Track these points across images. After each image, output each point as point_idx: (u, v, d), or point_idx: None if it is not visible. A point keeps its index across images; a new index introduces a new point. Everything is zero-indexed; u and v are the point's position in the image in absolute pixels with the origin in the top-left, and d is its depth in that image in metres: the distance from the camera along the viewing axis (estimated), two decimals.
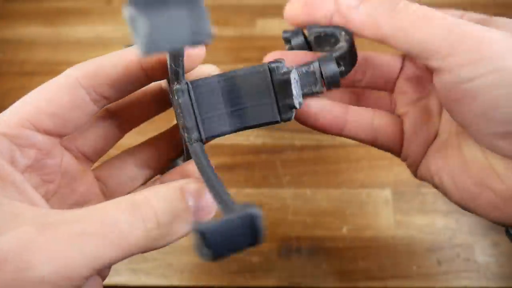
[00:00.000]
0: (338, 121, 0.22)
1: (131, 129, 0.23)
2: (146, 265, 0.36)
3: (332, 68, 0.21)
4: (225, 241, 0.15)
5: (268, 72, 0.20)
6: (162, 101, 0.22)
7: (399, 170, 0.40)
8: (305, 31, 0.23)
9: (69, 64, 0.20)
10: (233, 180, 0.40)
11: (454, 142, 0.21)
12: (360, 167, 0.40)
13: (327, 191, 0.39)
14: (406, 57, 0.24)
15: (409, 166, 0.24)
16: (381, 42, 0.20)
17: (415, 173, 0.24)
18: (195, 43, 0.13)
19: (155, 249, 0.17)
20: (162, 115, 0.24)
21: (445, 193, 0.22)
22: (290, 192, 0.39)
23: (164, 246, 0.17)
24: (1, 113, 0.18)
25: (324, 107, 0.22)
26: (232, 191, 0.39)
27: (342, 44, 0.21)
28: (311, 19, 0.21)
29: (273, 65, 0.20)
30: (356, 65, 0.22)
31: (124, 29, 0.49)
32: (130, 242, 0.16)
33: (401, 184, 0.39)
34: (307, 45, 0.24)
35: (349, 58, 0.21)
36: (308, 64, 0.21)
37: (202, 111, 0.20)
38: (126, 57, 0.19)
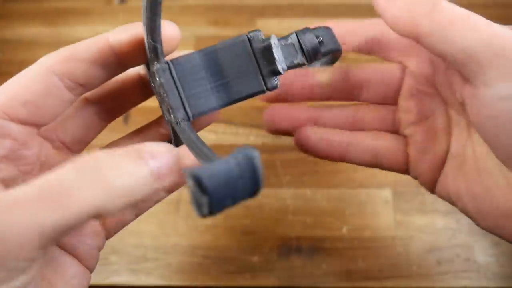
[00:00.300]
0: (339, 149, 0.22)
1: (113, 118, 0.23)
2: (146, 265, 0.36)
3: (309, 38, 0.21)
4: (223, 186, 0.14)
5: (248, 42, 0.20)
6: (142, 89, 0.22)
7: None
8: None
9: None
10: None
11: (472, 165, 0.20)
12: (360, 167, 0.40)
13: (327, 191, 0.39)
14: (406, 69, 0.23)
15: (422, 185, 0.23)
16: (414, 39, 0.19)
17: (431, 191, 0.23)
18: None
19: (116, 210, 0.15)
20: (151, 106, 0.23)
21: (470, 218, 0.21)
22: (290, 192, 0.39)
23: (126, 207, 0.16)
24: None
25: (323, 136, 0.22)
26: None
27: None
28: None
29: (251, 34, 0.20)
30: (354, 80, 0.22)
31: None
32: (76, 201, 0.15)
33: (401, 184, 0.39)
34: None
35: (327, 34, 0.22)
36: (285, 37, 0.21)
37: (186, 89, 0.20)
38: (98, 42, 0.18)
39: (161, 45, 0.18)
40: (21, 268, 0.15)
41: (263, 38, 0.20)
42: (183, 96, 0.20)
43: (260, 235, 0.38)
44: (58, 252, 0.20)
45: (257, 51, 0.20)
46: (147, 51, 0.19)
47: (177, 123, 0.20)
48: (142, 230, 0.38)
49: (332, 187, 0.39)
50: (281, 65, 0.20)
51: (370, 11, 0.56)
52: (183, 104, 0.20)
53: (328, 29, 0.22)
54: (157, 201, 0.22)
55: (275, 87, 0.21)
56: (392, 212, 0.38)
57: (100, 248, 0.22)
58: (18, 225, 0.14)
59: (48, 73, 0.18)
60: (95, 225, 0.21)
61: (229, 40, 0.20)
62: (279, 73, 0.20)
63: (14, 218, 0.14)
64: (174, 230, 0.38)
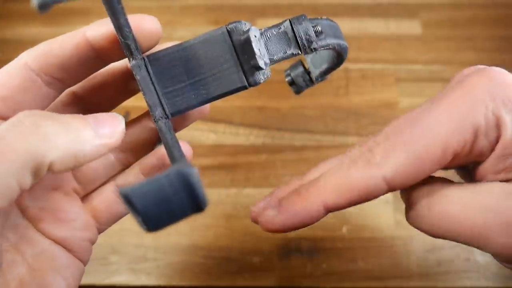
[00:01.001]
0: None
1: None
2: (146, 265, 0.36)
3: (304, 26, 0.19)
4: (155, 205, 0.14)
5: (227, 35, 0.19)
6: (131, 82, 0.21)
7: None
8: (304, 63, 0.22)
9: None
10: (233, 180, 0.40)
11: None
12: None
13: None
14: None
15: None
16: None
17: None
18: None
19: (60, 162, 0.16)
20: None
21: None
22: None
23: (69, 160, 0.16)
24: None
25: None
26: (232, 191, 0.40)
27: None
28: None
29: (231, 25, 0.19)
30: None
31: None
32: (10, 148, 0.15)
33: None
34: (308, 75, 0.23)
35: (330, 25, 0.20)
36: (278, 24, 0.20)
37: (163, 86, 0.19)
38: (75, 37, 0.18)
39: (134, 41, 0.18)
40: None
41: (244, 30, 0.19)
42: (160, 93, 0.19)
43: (260, 235, 0.38)
44: (48, 243, 0.20)
45: (237, 44, 0.19)
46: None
47: (155, 121, 0.19)
48: (143, 230, 0.38)
49: None
50: (262, 59, 0.19)
51: (370, 11, 0.56)
52: (160, 102, 0.19)
53: (331, 21, 0.21)
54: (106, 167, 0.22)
55: (257, 83, 0.19)
56: (392, 212, 0.38)
57: (92, 241, 0.22)
58: None
59: (25, 68, 0.18)
60: (86, 217, 0.21)
61: (208, 32, 0.19)
62: (261, 68, 0.19)
63: None
64: (174, 230, 0.38)
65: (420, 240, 0.37)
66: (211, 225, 0.38)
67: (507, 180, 0.17)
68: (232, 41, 0.19)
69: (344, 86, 0.44)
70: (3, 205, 0.15)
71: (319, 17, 0.20)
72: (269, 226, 0.20)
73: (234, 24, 0.19)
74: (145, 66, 0.19)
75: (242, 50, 0.19)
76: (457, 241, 0.17)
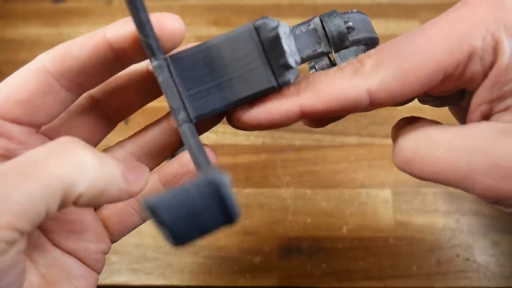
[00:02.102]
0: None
1: (122, 118, 0.22)
2: (146, 265, 0.36)
3: (336, 22, 0.18)
4: (185, 218, 0.12)
5: (255, 32, 0.17)
6: (152, 86, 0.20)
7: (399, 170, 0.40)
8: (330, 54, 0.21)
9: None
10: (233, 180, 0.40)
11: None
12: (360, 167, 0.40)
13: (327, 191, 0.39)
14: None
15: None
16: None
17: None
18: None
19: (85, 193, 0.16)
20: (153, 106, 0.22)
21: None
22: (290, 192, 0.39)
23: (94, 193, 0.16)
24: None
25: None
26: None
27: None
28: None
29: (258, 22, 0.17)
30: None
31: None
32: (44, 172, 0.15)
33: (401, 184, 0.39)
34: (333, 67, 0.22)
35: (361, 19, 0.19)
36: (307, 21, 0.18)
37: (187, 88, 0.18)
38: (94, 38, 0.17)
39: (156, 40, 0.17)
40: None
41: (272, 26, 0.17)
42: (184, 96, 0.18)
43: (260, 235, 0.38)
44: (60, 254, 0.20)
45: (266, 42, 0.17)
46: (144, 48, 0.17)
47: (179, 125, 0.18)
48: (143, 230, 0.38)
49: (332, 187, 0.39)
50: (293, 57, 0.17)
51: (370, 11, 0.56)
52: (183, 105, 0.18)
53: (361, 14, 0.19)
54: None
55: (287, 83, 0.18)
56: (392, 212, 0.38)
57: (105, 252, 0.21)
58: None
59: (42, 72, 0.17)
60: (99, 229, 0.21)
61: (234, 30, 0.18)
62: (290, 67, 0.17)
63: None
64: None
65: (420, 240, 0.37)
66: None
67: (500, 111, 0.17)
68: (259, 38, 0.17)
69: None
70: (27, 229, 0.15)
71: (349, 11, 0.19)
72: (242, 118, 0.18)
73: (262, 20, 0.17)
74: (168, 67, 0.18)
75: (271, 48, 0.17)
76: (444, 184, 0.17)
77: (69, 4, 0.52)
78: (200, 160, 0.16)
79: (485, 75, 0.17)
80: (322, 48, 0.19)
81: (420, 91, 0.17)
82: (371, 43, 0.19)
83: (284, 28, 0.17)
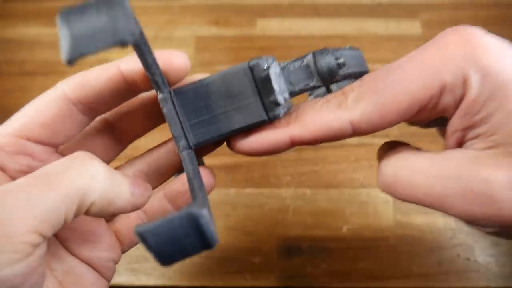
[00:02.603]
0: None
1: (132, 140, 0.24)
2: (146, 265, 0.36)
3: (327, 60, 0.20)
4: (168, 244, 0.15)
5: (249, 71, 0.19)
6: (159, 112, 0.22)
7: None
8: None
9: None
10: (233, 180, 0.40)
11: None
12: (360, 167, 0.40)
13: (327, 191, 0.39)
14: None
15: None
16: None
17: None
18: (116, 42, 0.14)
19: (98, 202, 0.17)
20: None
21: None
22: (290, 192, 0.39)
23: (106, 204, 0.18)
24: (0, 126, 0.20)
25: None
26: (232, 191, 0.40)
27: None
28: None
29: (252, 62, 0.19)
30: None
31: None
32: (64, 183, 0.17)
33: None
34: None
35: (353, 56, 0.21)
36: (301, 57, 0.20)
37: (188, 118, 0.20)
38: (110, 70, 0.20)
39: (161, 77, 0.19)
40: (20, 250, 0.16)
41: (264, 67, 0.19)
42: (185, 125, 0.20)
43: (260, 235, 0.38)
44: (76, 262, 0.22)
45: (258, 80, 0.19)
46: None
47: (179, 151, 0.21)
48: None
49: (332, 187, 0.39)
50: (282, 95, 0.20)
51: (370, 11, 0.56)
52: (184, 133, 0.20)
53: (353, 50, 0.21)
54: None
55: (277, 117, 0.20)
56: (392, 212, 0.38)
57: (116, 261, 0.23)
58: (12, 209, 0.16)
59: (62, 98, 0.20)
60: (111, 239, 0.23)
61: (232, 68, 0.20)
62: (279, 104, 0.19)
63: (9, 202, 0.16)
64: None
65: (420, 240, 0.37)
66: None
67: (472, 138, 0.18)
68: (253, 76, 0.19)
69: None
70: (49, 234, 0.17)
71: (342, 48, 0.21)
72: (237, 146, 0.21)
73: (256, 61, 0.19)
74: (171, 99, 0.20)
75: (263, 86, 0.19)
76: (424, 206, 0.18)
77: (69, 4, 0.52)
78: (194, 185, 0.19)
79: (456, 106, 0.18)
80: (314, 82, 0.20)
81: (399, 121, 0.19)
82: (361, 75, 0.21)
83: (274, 69, 0.19)
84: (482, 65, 0.17)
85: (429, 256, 0.36)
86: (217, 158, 0.41)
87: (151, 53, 0.18)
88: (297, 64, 0.20)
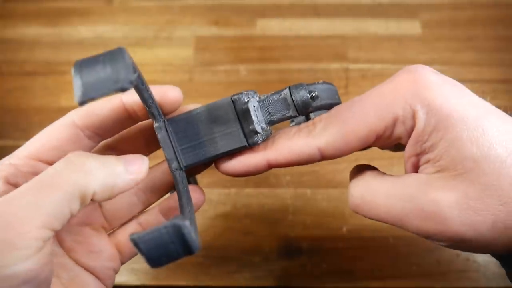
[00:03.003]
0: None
1: None
2: (146, 265, 0.36)
3: (301, 94, 0.23)
4: (156, 249, 0.18)
5: (232, 104, 0.23)
6: (155, 138, 0.25)
7: (399, 170, 0.40)
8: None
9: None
10: (233, 180, 0.40)
11: None
12: None
13: (327, 191, 0.39)
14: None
15: None
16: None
17: None
18: (117, 89, 0.17)
19: (100, 193, 0.20)
20: None
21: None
22: (290, 192, 0.39)
23: (107, 191, 0.20)
24: (16, 150, 0.23)
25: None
26: (232, 191, 0.40)
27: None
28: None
29: (235, 97, 0.23)
30: None
31: (125, 29, 0.49)
32: (64, 183, 0.19)
33: None
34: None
35: (325, 89, 0.24)
36: (279, 91, 0.23)
37: (179, 143, 0.24)
38: (113, 100, 0.23)
39: (157, 109, 0.23)
40: (32, 246, 0.18)
41: (245, 101, 0.23)
42: (177, 150, 0.24)
43: (260, 235, 0.38)
44: (80, 270, 0.24)
45: (240, 112, 0.23)
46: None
47: (172, 172, 0.24)
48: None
49: (332, 187, 0.39)
50: (259, 125, 0.23)
51: (370, 11, 0.56)
52: (176, 156, 0.24)
53: (326, 84, 0.24)
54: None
55: (256, 143, 0.23)
56: None
57: (116, 270, 0.26)
58: (21, 210, 0.18)
59: (71, 125, 0.23)
60: (111, 250, 0.25)
61: (218, 101, 0.23)
62: (258, 132, 0.23)
63: (17, 205, 0.18)
64: None
65: (420, 240, 0.37)
66: (211, 225, 0.38)
67: (424, 163, 0.21)
68: (235, 109, 0.23)
69: (344, 86, 0.44)
70: (57, 228, 0.19)
71: (316, 82, 0.24)
72: (222, 168, 0.24)
73: (238, 96, 0.23)
74: (165, 127, 0.23)
75: (243, 117, 0.23)
76: (387, 223, 0.21)
77: (69, 4, 0.52)
78: (182, 202, 0.22)
79: (409, 135, 0.21)
80: (290, 113, 0.23)
81: (360, 147, 0.22)
82: (333, 106, 0.24)
83: (253, 103, 0.23)
84: (427, 101, 0.20)
85: (429, 256, 0.36)
86: None
87: (147, 90, 0.21)
88: (275, 97, 0.23)
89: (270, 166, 0.23)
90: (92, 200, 0.20)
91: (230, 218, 0.38)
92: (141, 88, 0.21)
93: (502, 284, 0.35)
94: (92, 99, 0.17)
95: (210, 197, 0.39)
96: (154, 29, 0.49)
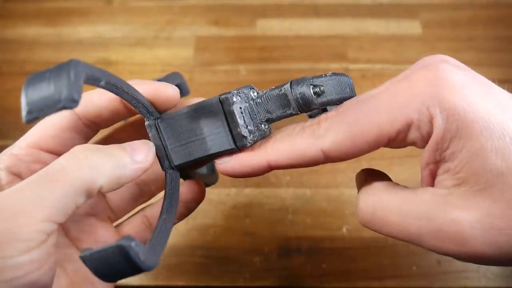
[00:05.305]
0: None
1: None
2: None
3: (301, 89, 0.20)
4: (105, 268, 0.18)
5: (220, 104, 0.21)
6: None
7: (399, 170, 0.40)
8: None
9: None
10: (233, 180, 0.40)
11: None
12: (360, 167, 0.40)
13: (326, 191, 0.39)
14: None
15: None
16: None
17: None
18: (60, 109, 0.16)
19: (106, 185, 0.20)
20: None
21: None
22: (290, 192, 0.39)
23: (114, 182, 0.20)
24: (17, 141, 0.23)
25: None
26: (232, 191, 0.40)
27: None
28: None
29: (222, 96, 0.21)
30: None
31: (124, 29, 0.49)
32: (69, 177, 0.19)
33: (400, 184, 0.39)
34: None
35: (334, 82, 0.21)
36: (279, 86, 0.21)
37: (170, 142, 0.23)
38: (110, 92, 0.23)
39: (145, 107, 0.22)
40: (35, 238, 0.18)
41: (231, 102, 0.21)
42: (167, 149, 0.23)
43: (260, 235, 0.38)
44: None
45: (227, 113, 0.21)
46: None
47: (164, 171, 0.23)
48: None
49: (332, 187, 0.39)
50: (246, 128, 0.21)
51: (370, 11, 0.56)
52: (167, 155, 0.23)
53: (338, 76, 0.21)
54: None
55: (243, 146, 0.21)
56: None
57: None
58: (24, 202, 0.18)
59: (70, 113, 0.23)
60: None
61: (207, 100, 0.22)
62: (244, 137, 0.21)
63: (21, 197, 0.18)
64: (173, 230, 0.38)
65: None
66: (211, 225, 0.38)
67: (443, 173, 0.19)
68: (223, 109, 0.21)
69: None
70: (61, 221, 0.19)
71: (323, 75, 0.21)
72: (221, 168, 0.22)
73: (225, 95, 0.21)
74: (156, 126, 0.23)
75: (230, 119, 0.21)
76: (401, 240, 0.20)
77: (69, 4, 0.52)
78: (164, 205, 0.22)
79: (425, 141, 0.19)
80: (291, 110, 0.21)
81: (369, 150, 0.20)
82: (340, 102, 0.21)
83: (239, 104, 0.21)
84: (448, 104, 0.18)
85: (429, 256, 0.36)
86: None
87: (127, 92, 0.21)
88: (275, 92, 0.21)
89: (271, 168, 0.21)
90: (100, 192, 0.20)
91: (230, 218, 0.38)
92: (117, 92, 0.20)
93: (502, 284, 0.35)
94: (37, 118, 0.16)
95: (210, 197, 0.39)
96: (154, 29, 0.49)
